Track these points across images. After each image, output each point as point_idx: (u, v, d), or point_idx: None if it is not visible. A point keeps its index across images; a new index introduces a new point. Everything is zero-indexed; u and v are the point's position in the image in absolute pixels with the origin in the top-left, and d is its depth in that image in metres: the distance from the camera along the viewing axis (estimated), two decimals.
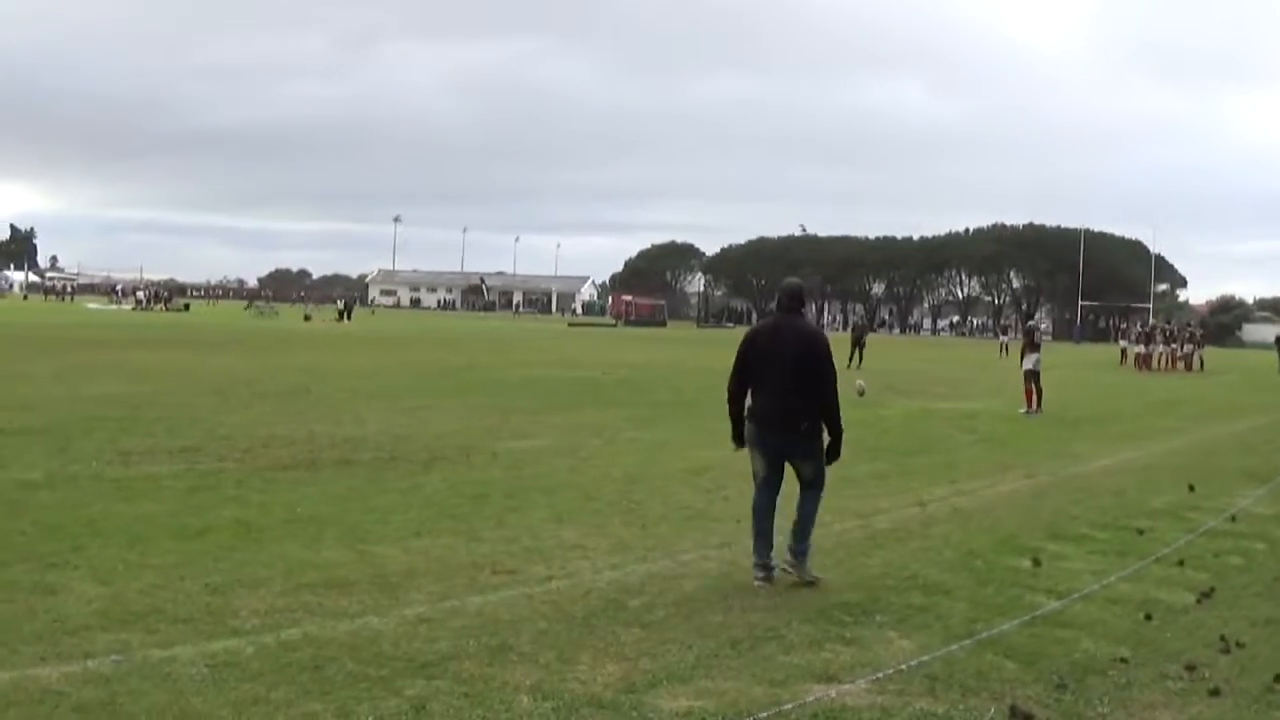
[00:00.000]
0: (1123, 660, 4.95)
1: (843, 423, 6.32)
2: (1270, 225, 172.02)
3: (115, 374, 18.15)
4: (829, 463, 6.35)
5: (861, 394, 16.98)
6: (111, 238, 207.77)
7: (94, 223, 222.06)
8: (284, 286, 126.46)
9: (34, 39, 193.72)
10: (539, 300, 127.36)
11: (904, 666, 4.72)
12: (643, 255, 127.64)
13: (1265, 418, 19.75)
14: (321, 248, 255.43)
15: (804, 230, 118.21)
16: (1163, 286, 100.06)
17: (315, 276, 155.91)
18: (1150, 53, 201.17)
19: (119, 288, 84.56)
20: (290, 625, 5.02)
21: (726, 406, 6.48)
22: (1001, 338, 51.75)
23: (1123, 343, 43.51)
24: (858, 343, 30.52)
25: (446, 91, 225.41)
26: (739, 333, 7.63)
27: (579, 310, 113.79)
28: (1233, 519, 8.66)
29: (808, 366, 6.18)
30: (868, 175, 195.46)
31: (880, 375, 24.49)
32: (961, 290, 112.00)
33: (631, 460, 10.71)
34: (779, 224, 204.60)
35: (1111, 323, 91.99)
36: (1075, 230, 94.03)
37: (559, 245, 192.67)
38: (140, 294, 72.41)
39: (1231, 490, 10.17)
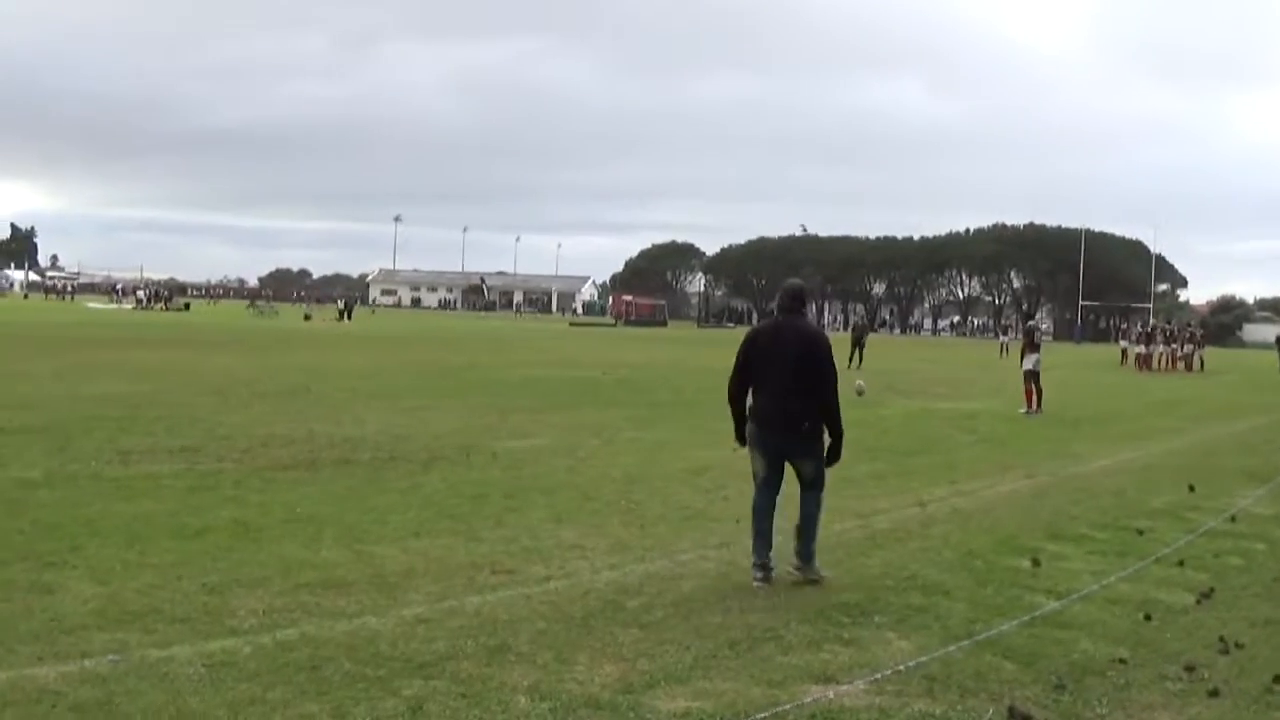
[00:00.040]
0: (1122, 661, 4.94)
1: (843, 423, 6.32)
2: (1271, 225, 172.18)
3: (115, 373, 18.15)
4: (829, 464, 6.35)
5: (861, 394, 16.95)
6: (112, 237, 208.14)
7: (95, 222, 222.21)
8: (284, 286, 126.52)
9: (34, 39, 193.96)
10: (539, 300, 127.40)
11: (902, 667, 4.71)
12: (643, 255, 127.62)
13: (1265, 418, 19.73)
14: (322, 247, 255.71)
15: (804, 230, 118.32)
16: (1163, 286, 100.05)
17: (316, 276, 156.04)
18: (1150, 53, 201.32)
19: (119, 287, 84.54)
20: (288, 625, 5.01)
21: (728, 406, 6.48)
22: (1001, 338, 51.72)
23: (1123, 343, 43.50)
24: (858, 343, 30.50)
25: (447, 91, 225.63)
26: (739, 333, 7.63)
27: (579, 310, 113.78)
28: (1233, 519, 8.65)
29: (809, 367, 6.18)
30: (868, 175, 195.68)
31: (880, 375, 24.47)
32: (962, 290, 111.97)
33: (631, 460, 10.70)
34: (779, 224, 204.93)
35: (1112, 323, 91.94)
36: (1076, 230, 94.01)
37: (559, 245, 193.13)
38: (140, 293, 72.44)
39: (1231, 490, 10.16)
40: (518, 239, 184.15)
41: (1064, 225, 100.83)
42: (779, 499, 6.33)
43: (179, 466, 9.22)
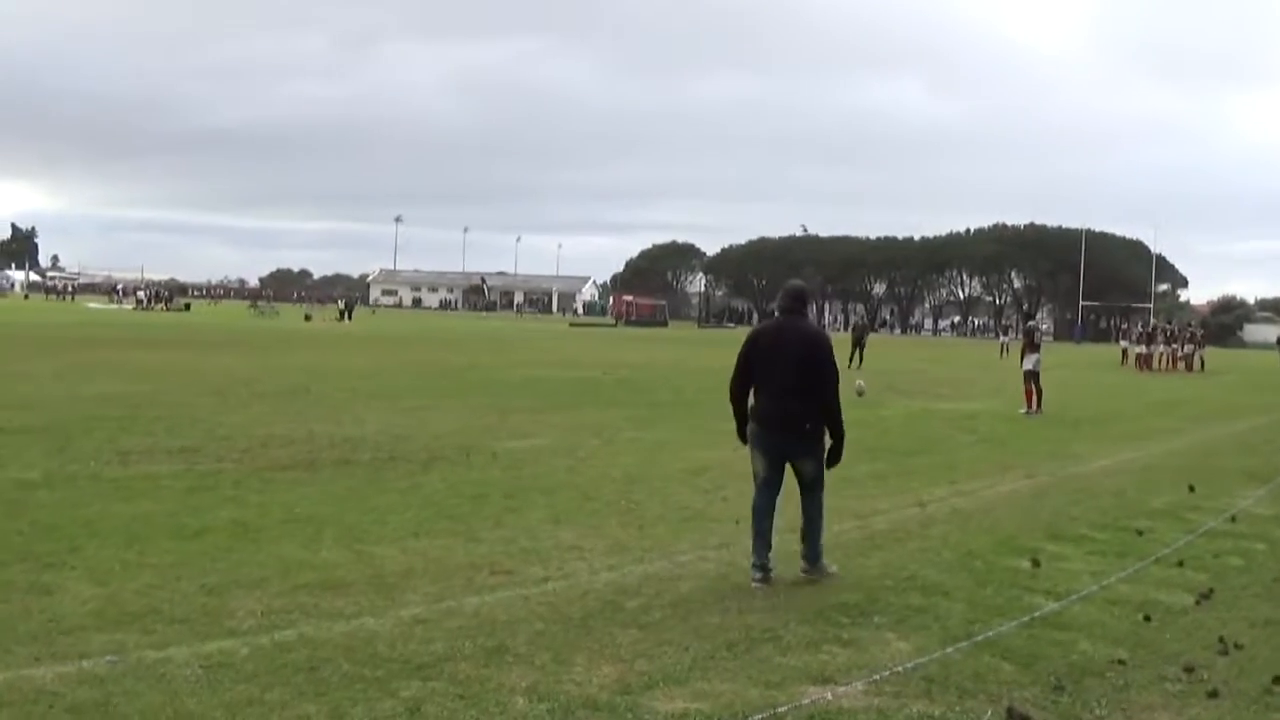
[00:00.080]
0: (1121, 662, 4.94)
1: (844, 424, 6.32)
2: (1271, 225, 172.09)
3: (115, 374, 18.15)
4: (830, 465, 6.36)
5: (861, 394, 16.92)
6: (112, 237, 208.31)
7: (95, 222, 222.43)
8: (285, 286, 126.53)
9: (34, 39, 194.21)
10: (540, 300, 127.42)
11: (901, 668, 4.71)
12: (644, 255, 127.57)
13: (1266, 418, 19.72)
14: (322, 247, 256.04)
15: (805, 230, 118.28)
16: (1164, 286, 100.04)
17: (316, 276, 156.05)
18: (1150, 53, 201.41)
19: (120, 287, 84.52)
20: (286, 626, 5.00)
21: (730, 406, 6.50)
22: (1002, 338, 51.71)
23: (1124, 343, 43.48)
24: (858, 343, 30.49)
25: (447, 91, 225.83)
26: (739, 333, 7.65)
27: (580, 310, 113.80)
28: (1233, 519, 8.64)
29: (810, 367, 6.19)
30: (868, 175, 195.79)
31: (880, 375, 24.46)
32: (963, 290, 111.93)
33: (631, 460, 10.70)
34: (780, 224, 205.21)
35: (1113, 323, 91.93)
36: (1076, 230, 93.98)
37: (560, 245, 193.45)
38: (141, 294, 72.40)
39: (1232, 491, 10.15)
40: (518, 239, 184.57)
41: (1064, 225, 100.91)
42: (779, 500, 6.33)
43: (178, 467, 9.22)
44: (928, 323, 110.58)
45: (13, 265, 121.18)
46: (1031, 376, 18.10)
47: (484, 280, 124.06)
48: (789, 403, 6.21)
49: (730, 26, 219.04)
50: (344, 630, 4.98)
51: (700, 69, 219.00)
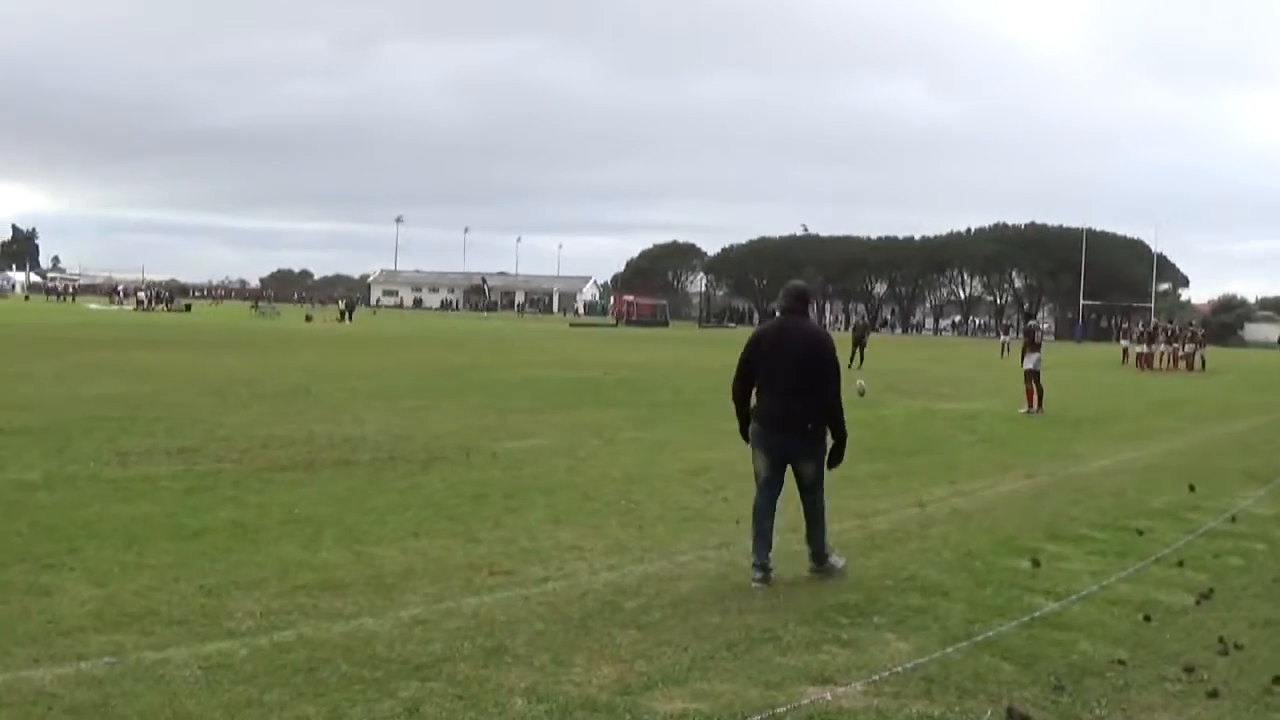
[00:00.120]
0: (1121, 662, 4.93)
1: (846, 425, 6.32)
2: (1272, 224, 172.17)
3: (115, 374, 18.15)
4: (832, 466, 6.36)
5: (862, 394, 16.91)
6: (113, 238, 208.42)
7: (95, 223, 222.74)
8: (286, 287, 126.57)
9: (34, 39, 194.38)
10: (541, 300, 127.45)
11: (900, 668, 4.70)
12: (644, 255, 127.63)
13: (1266, 417, 19.71)
14: (323, 248, 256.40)
15: (806, 230, 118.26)
16: (1164, 286, 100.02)
17: (317, 277, 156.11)
18: (1150, 52, 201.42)
19: (120, 288, 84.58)
20: (285, 627, 5.00)
21: (733, 406, 6.51)
22: (1002, 337, 51.69)
23: (1124, 342, 43.46)
24: (859, 342, 30.46)
25: (447, 92, 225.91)
26: (740, 333, 7.67)
27: (581, 310, 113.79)
28: (1233, 519, 8.63)
29: (812, 368, 6.20)
30: (869, 175, 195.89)
31: (881, 375, 24.45)
32: (963, 290, 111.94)
33: (631, 461, 10.69)
34: (780, 224, 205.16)
35: (1113, 322, 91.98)
36: (1077, 230, 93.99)
37: (560, 246, 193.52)
38: (142, 294, 72.44)
39: (1232, 491, 10.14)
40: (519, 239, 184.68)
41: (1065, 225, 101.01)
42: (780, 500, 6.33)
43: (178, 468, 9.22)
44: (928, 322, 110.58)
45: (13, 266, 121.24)
46: (1032, 376, 18.09)
47: (485, 280, 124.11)
48: (791, 403, 6.21)
49: (730, 26, 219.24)
50: (343, 631, 4.98)
51: (700, 69, 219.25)
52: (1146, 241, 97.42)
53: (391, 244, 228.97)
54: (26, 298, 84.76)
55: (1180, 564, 6.94)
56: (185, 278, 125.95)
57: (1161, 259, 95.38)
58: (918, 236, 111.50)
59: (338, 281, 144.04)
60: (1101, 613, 5.77)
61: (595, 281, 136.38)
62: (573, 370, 24.23)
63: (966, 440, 13.83)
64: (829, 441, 6.32)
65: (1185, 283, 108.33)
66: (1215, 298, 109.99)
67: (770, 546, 6.20)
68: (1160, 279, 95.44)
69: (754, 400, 6.43)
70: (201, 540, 6.64)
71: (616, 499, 8.56)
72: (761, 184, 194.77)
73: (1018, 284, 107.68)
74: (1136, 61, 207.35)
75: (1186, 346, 38.33)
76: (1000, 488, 10.02)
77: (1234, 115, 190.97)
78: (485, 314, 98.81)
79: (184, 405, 13.80)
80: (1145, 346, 38.12)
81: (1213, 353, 43.01)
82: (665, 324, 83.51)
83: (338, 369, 21.73)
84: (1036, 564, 6.78)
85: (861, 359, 29.34)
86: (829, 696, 4.34)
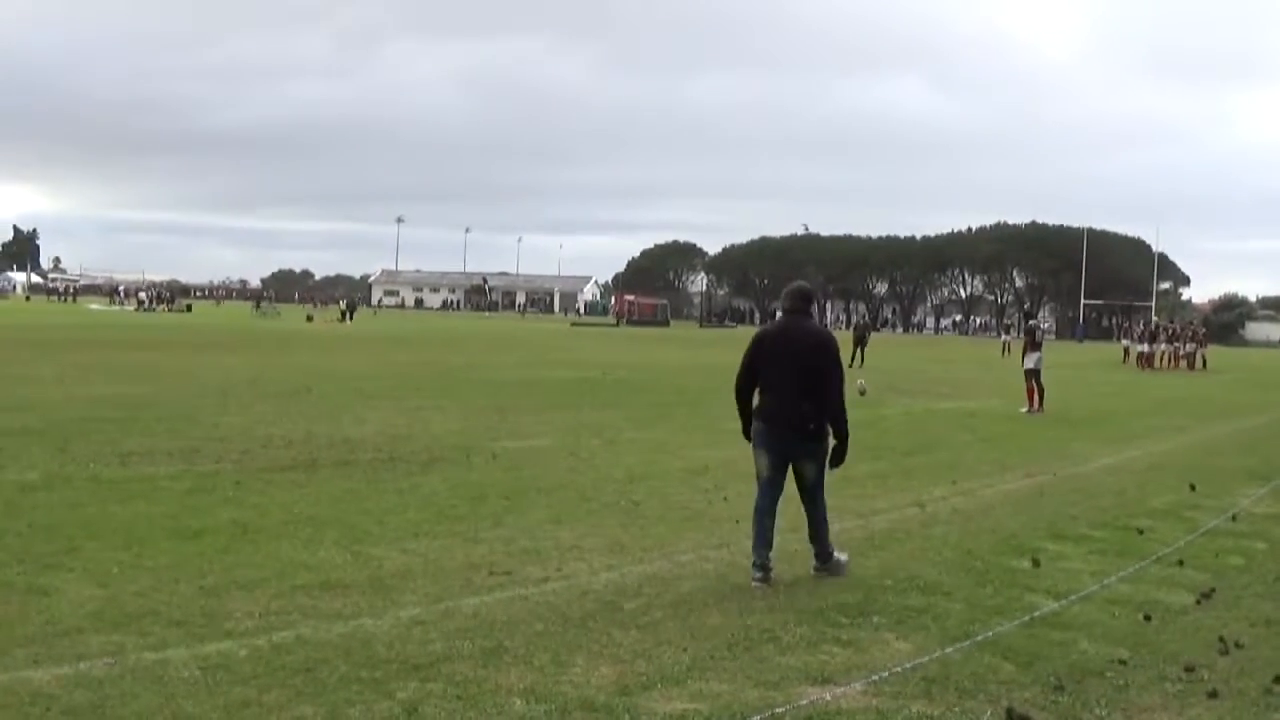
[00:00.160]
0: (1121, 662, 4.92)
1: (848, 425, 6.32)
2: (1273, 223, 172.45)
3: (116, 375, 18.16)
4: (834, 466, 6.36)
5: (863, 393, 16.89)
6: (114, 239, 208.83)
7: (96, 224, 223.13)
8: (287, 287, 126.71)
9: (35, 39, 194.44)
10: (542, 300, 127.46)
11: (900, 668, 4.69)
12: (645, 255, 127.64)
13: (1267, 416, 19.71)
14: (324, 248, 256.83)
15: (807, 229, 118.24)
16: (1165, 285, 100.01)
17: (318, 277, 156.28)
18: (1151, 51, 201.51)
19: (121, 289, 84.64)
20: (284, 627, 4.99)
21: (736, 405, 6.52)
22: (1003, 337, 51.64)
23: (1125, 341, 43.44)
24: (860, 342, 30.46)
25: (448, 91, 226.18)
26: (741, 332, 7.69)
27: (582, 310, 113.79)
28: (1234, 519, 8.62)
29: (815, 368, 6.21)
30: (869, 175, 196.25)
31: (882, 374, 24.45)
32: (964, 289, 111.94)
33: (631, 460, 10.68)
34: (781, 223, 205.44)
35: (1114, 321, 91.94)
36: (1078, 229, 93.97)
37: (561, 245, 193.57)
38: (143, 295, 72.47)
39: (1233, 490, 10.13)
40: (519, 239, 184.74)
41: (1066, 224, 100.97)
42: (781, 500, 6.33)
43: (178, 468, 9.21)
44: (929, 322, 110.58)
45: (14, 267, 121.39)
46: (1033, 375, 18.09)
47: (486, 280, 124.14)
48: (794, 403, 6.22)
49: (732, 26, 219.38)
50: (342, 631, 4.97)
51: (701, 68, 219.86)
52: (1147, 240, 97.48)
53: (392, 244, 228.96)
54: (27, 298, 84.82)
55: (1181, 563, 6.93)
56: (186, 278, 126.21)
57: (1162, 258, 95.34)
58: (919, 236, 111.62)
59: (339, 281, 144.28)
60: (1102, 612, 5.76)
61: (596, 281, 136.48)
62: (573, 370, 24.23)
63: (967, 440, 13.82)
64: (831, 442, 6.32)
65: (1186, 282, 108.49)
66: (1216, 297, 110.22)
67: (770, 546, 6.20)
68: (1161, 278, 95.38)
69: (757, 400, 6.44)
70: (201, 541, 6.63)
71: (616, 499, 8.56)
72: (762, 183, 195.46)
73: (1019, 283, 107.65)
74: (1137, 60, 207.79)
75: (1187, 346, 38.32)
76: (1001, 487, 10.02)
77: (1236, 113, 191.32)
78: (486, 314, 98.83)
79: (184, 405, 13.79)
80: (1146, 346, 38.11)
81: (1214, 352, 43.00)
82: (666, 324, 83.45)
83: (338, 369, 21.73)
84: (1037, 564, 6.77)
85: (862, 358, 29.33)
86: (828, 697, 4.34)
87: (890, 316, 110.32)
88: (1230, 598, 6.16)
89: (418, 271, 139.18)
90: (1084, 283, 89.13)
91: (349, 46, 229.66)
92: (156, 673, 4.34)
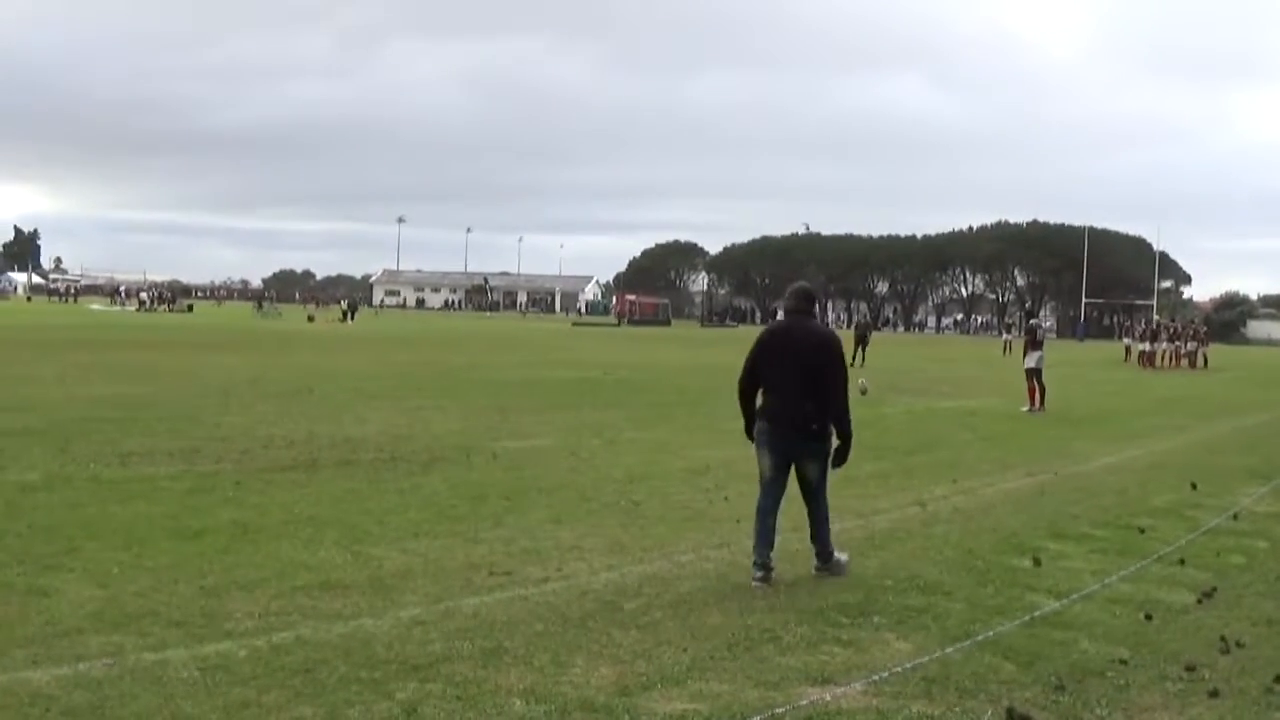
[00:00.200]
0: (1122, 661, 4.91)
1: (851, 425, 6.32)
2: (1274, 222, 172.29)
3: (117, 375, 18.16)
4: (836, 466, 6.36)
5: (864, 392, 16.87)
6: (115, 239, 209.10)
7: (97, 224, 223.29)
8: (288, 287, 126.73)
9: (35, 40, 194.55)
10: (543, 300, 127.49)
11: (900, 668, 4.68)
12: (646, 254, 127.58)
13: (1268, 415, 19.68)
14: (325, 248, 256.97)
15: (808, 229, 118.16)
16: (1167, 283, 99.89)
17: (319, 277, 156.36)
18: (1153, 51, 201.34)
19: (122, 289, 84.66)
20: (284, 628, 4.99)
21: (739, 405, 6.53)
22: (1004, 335, 51.60)
23: (1127, 340, 43.42)
24: (861, 341, 30.44)
25: (449, 91, 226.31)
26: (742, 332, 7.68)
27: (583, 310, 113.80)
28: (1235, 517, 8.61)
29: (818, 368, 6.22)
30: (870, 174, 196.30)
31: (883, 374, 24.44)
32: (965, 288, 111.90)
33: (632, 460, 10.67)
34: (782, 222, 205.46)
35: (1115, 320, 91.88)
36: (1079, 228, 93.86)
37: (562, 245, 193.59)
38: (144, 295, 72.51)
39: (1234, 488, 10.12)
40: (520, 239, 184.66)
41: (1067, 223, 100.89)
42: (782, 500, 6.32)
43: (178, 468, 9.21)
44: (930, 321, 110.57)
45: (15, 267, 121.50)
46: (1034, 374, 18.07)
47: (487, 280, 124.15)
48: (797, 403, 6.22)
49: (732, 25, 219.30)
50: (342, 632, 4.97)
51: (702, 67, 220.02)
52: (1148, 239, 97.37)
53: (393, 244, 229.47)
54: (28, 299, 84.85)
55: (1182, 562, 6.92)
56: (187, 278, 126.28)
57: (1163, 257, 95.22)
58: (920, 235, 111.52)
59: (340, 282, 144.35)
60: (1103, 612, 5.75)
61: (597, 281, 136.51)
62: (574, 370, 24.22)
63: (968, 439, 13.81)
64: (834, 442, 6.32)
65: (1187, 280, 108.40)
66: (1218, 295, 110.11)
67: (772, 546, 6.19)
68: (1162, 277, 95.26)
69: (760, 400, 6.44)
70: (201, 541, 6.62)
71: (617, 499, 8.55)
72: (763, 183, 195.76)
73: (1020, 282, 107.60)
74: (1138, 60, 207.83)
75: (1189, 344, 38.28)
76: (1001, 486, 10.01)
77: (1237, 112, 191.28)
78: (487, 314, 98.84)
79: (185, 406, 13.79)
80: (1148, 344, 38.08)
81: (1215, 350, 42.97)
82: (667, 323, 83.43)
83: (340, 369, 21.73)
84: (1038, 563, 6.76)
85: (864, 358, 29.31)
86: (829, 697, 4.33)
87: (891, 316, 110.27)
88: (1232, 597, 6.15)
89: (419, 271, 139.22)
90: (1085, 281, 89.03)
91: (349, 46, 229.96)
92: (156, 673, 4.34)
